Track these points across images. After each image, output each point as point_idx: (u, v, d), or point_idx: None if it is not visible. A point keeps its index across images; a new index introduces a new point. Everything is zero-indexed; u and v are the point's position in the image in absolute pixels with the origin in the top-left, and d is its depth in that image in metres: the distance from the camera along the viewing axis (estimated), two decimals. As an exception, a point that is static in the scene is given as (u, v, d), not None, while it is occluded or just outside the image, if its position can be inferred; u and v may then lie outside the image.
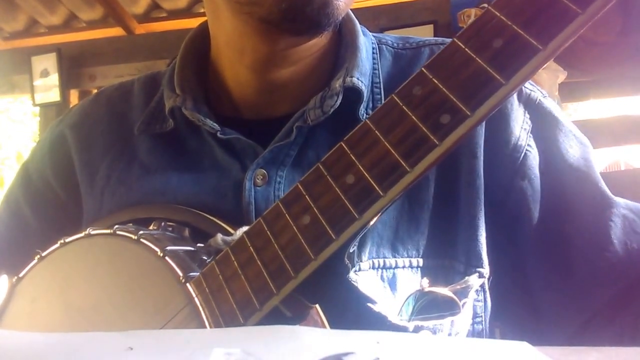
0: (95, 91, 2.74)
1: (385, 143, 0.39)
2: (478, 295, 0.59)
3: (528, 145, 0.60)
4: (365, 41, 0.64)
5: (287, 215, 0.43)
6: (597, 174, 0.61)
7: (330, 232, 0.40)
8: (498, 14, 0.36)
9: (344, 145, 0.41)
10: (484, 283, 0.59)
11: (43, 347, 0.33)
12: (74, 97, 2.78)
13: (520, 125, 0.60)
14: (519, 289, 0.61)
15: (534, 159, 0.60)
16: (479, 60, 0.36)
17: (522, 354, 0.31)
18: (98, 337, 0.35)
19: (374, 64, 0.64)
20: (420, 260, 0.58)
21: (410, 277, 0.57)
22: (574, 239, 0.58)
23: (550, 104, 0.63)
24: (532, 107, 0.62)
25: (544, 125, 0.61)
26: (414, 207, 0.58)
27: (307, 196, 0.42)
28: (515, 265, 0.60)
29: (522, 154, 0.60)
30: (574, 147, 0.61)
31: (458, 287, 0.57)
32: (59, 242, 0.57)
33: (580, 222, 0.58)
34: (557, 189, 0.60)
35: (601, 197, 0.59)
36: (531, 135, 0.61)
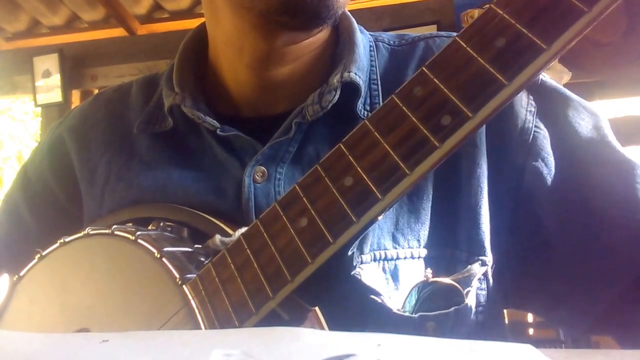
0: (96, 91, 2.76)
1: (385, 145, 0.38)
2: (481, 284, 0.58)
3: (535, 126, 0.60)
4: (363, 38, 0.65)
5: (284, 217, 0.42)
6: (613, 140, 0.60)
7: (327, 235, 0.40)
8: (501, 12, 0.35)
9: (342, 146, 0.41)
10: (486, 271, 0.58)
11: (39, 347, 0.32)
12: (75, 98, 2.79)
13: (525, 108, 0.60)
14: (548, 268, 0.60)
15: (544, 138, 0.60)
16: (481, 60, 0.36)
17: (525, 357, 0.31)
18: (95, 338, 0.35)
19: (371, 60, 0.64)
20: (422, 251, 0.57)
21: (413, 268, 0.57)
22: (604, 209, 0.57)
23: (551, 81, 0.63)
24: (535, 88, 0.62)
25: (550, 103, 0.61)
26: (413, 198, 0.58)
27: (304, 198, 0.42)
28: (541, 246, 0.59)
29: (531, 136, 0.59)
30: (584, 119, 0.60)
31: (460, 276, 0.56)
32: (58, 242, 0.57)
33: (605, 192, 0.57)
34: (575, 164, 0.59)
35: (622, 162, 0.58)
36: (538, 116, 0.60)
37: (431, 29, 2.28)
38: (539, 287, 0.62)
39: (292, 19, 0.54)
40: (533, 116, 0.60)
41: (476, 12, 2.16)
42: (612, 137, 0.60)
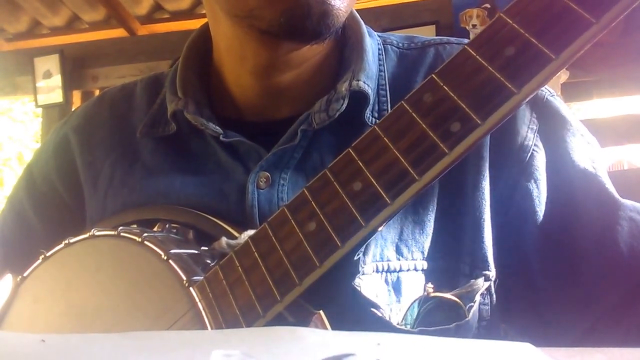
0: (97, 92, 2.76)
1: (394, 150, 0.39)
2: (484, 299, 0.58)
3: (535, 145, 0.60)
4: (371, 43, 0.64)
5: (292, 221, 0.43)
6: (605, 175, 0.60)
7: (336, 239, 0.40)
8: (510, 22, 0.36)
9: (352, 151, 0.41)
10: (490, 286, 0.58)
11: (40, 348, 0.33)
12: (76, 98, 2.79)
13: (527, 124, 0.60)
14: (524, 290, 0.60)
15: (540, 159, 0.60)
16: (491, 69, 0.36)
17: (525, 355, 0.31)
18: (96, 339, 0.35)
19: (379, 65, 0.63)
20: (425, 263, 0.57)
21: (415, 281, 0.56)
22: (580, 241, 0.58)
23: (558, 102, 0.63)
24: (539, 106, 0.62)
25: (551, 124, 0.61)
26: (418, 209, 0.58)
27: (313, 202, 0.42)
28: (520, 266, 0.60)
29: (529, 154, 0.59)
30: (581, 147, 0.60)
31: (464, 291, 0.56)
32: (63, 243, 0.57)
33: (586, 224, 0.58)
34: (564, 191, 0.59)
35: (608, 199, 0.58)
36: (538, 135, 0.60)
37: (430, 29, 2.28)
38: (518, 310, 0.62)
39: (292, 37, 0.55)
40: (534, 134, 0.60)
41: (474, 12, 2.18)
42: (604, 172, 0.60)
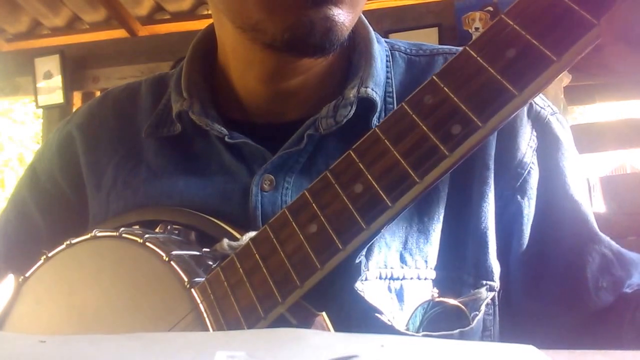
0: (98, 93, 2.76)
1: (395, 152, 0.39)
2: (489, 309, 0.59)
3: (532, 163, 0.61)
4: (380, 49, 0.64)
5: (293, 223, 0.43)
6: (589, 206, 0.62)
7: (337, 241, 0.40)
8: (511, 23, 0.36)
9: (352, 153, 0.41)
10: (494, 297, 0.59)
11: (40, 349, 0.33)
12: (77, 99, 2.79)
13: (527, 142, 0.61)
14: (502, 300, 0.61)
15: (535, 177, 0.61)
16: (492, 70, 0.36)
17: (528, 357, 0.31)
18: (98, 340, 0.35)
19: (387, 72, 0.63)
20: (429, 272, 0.57)
21: (418, 289, 0.57)
22: (553, 263, 0.60)
23: (558, 124, 0.64)
24: (540, 125, 0.62)
25: (547, 145, 0.62)
26: (424, 218, 0.58)
27: (314, 204, 0.42)
28: (501, 277, 0.61)
29: (526, 171, 0.60)
30: (573, 174, 0.62)
31: (468, 299, 0.57)
32: (65, 244, 0.57)
33: (562, 249, 0.60)
34: (550, 212, 0.61)
35: (587, 231, 0.61)
36: (536, 153, 0.61)
37: (432, 32, 2.28)
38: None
39: (296, 52, 0.55)
40: (533, 152, 0.61)
41: (477, 15, 2.19)
42: (589, 203, 0.63)
